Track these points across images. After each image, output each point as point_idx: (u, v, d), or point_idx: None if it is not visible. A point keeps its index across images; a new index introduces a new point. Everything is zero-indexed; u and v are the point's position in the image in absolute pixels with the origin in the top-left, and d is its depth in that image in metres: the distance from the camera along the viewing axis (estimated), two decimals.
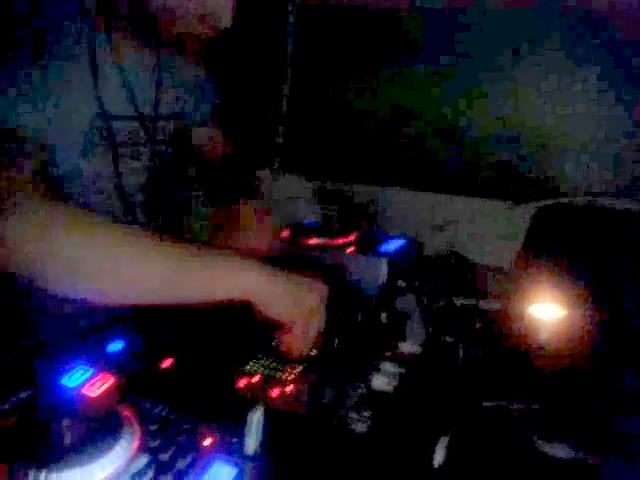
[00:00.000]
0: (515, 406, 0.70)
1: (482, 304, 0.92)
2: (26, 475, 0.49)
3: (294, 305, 0.74)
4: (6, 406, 0.58)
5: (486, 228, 1.31)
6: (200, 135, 1.16)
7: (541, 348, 0.80)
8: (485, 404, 0.69)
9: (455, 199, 1.36)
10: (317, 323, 0.76)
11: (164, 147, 1.05)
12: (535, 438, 0.65)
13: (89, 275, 0.69)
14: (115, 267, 0.69)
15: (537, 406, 0.70)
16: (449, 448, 0.60)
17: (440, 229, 1.33)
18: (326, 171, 1.53)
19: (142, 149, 0.99)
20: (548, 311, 0.87)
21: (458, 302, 0.92)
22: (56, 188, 0.76)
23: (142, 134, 0.98)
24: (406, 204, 1.40)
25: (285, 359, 0.77)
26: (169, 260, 0.71)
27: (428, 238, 1.27)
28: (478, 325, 0.85)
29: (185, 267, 0.72)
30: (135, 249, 0.71)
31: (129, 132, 0.94)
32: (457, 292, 0.94)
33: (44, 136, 0.75)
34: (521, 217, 1.22)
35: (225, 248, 0.75)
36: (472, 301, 0.92)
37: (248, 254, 0.76)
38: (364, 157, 1.49)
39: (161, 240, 0.72)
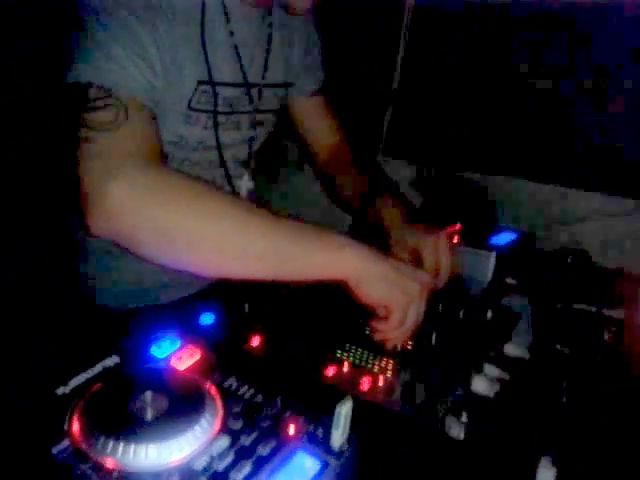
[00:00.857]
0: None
1: (605, 311, 0.81)
2: (104, 445, 0.48)
3: (393, 291, 0.69)
4: (93, 372, 0.58)
5: (612, 227, 1.18)
6: (306, 108, 1.12)
7: None
8: (601, 421, 0.61)
9: (578, 193, 1.23)
10: (416, 313, 0.70)
11: (267, 117, 1.03)
12: None
13: (188, 245, 0.68)
14: (215, 239, 0.68)
15: None
16: (558, 466, 0.53)
17: (560, 225, 1.21)
18: (434, 157, 1.45)
19: (242, 117, 0.96)
20: None
21: (576, 307, 0.82)
22: (160, 155, 0.75)
23: (246, 102, 0.95)
24: (523, 195, 1.29)
25: (378, 350, 0.72)
26: (270, 235, 0.68)
27: (545, 234, 1.17)
28: (605, 336, 0.75)
29: (286, 244, 0.69)
30: (237, 222, 0.68)
31: (232, 99, 0.92)
32: (575, 296, 0.84)
33: (149, 99, 0.74)
34: None
35: (323, 227, 0.71)
36: (593, 307, 0.82)
37: (346, 235, 0.71)
38: (478, 143, 1.39)
39: (263, 215, 0.70)
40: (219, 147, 0.93)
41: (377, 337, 0.73)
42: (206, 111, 0.88)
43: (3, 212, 1.10)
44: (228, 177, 0.99)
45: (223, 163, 0.97)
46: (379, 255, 0.70)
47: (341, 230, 1.27)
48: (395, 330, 0.71)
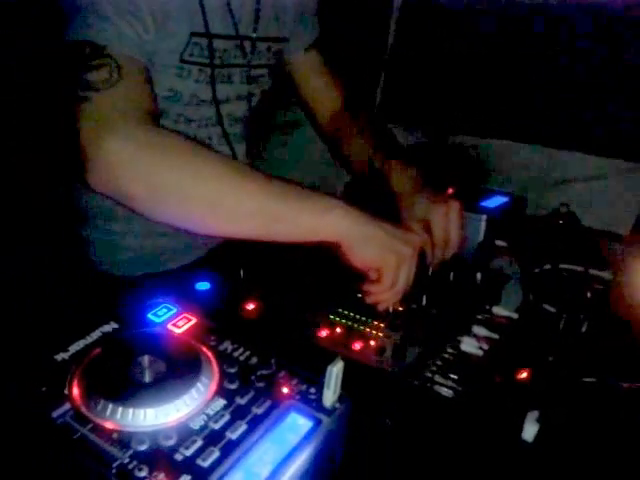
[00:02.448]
0: (621, 385, 0.62)
1: (593, 272, 0.83)
2: (104, 408, 0.49)
3: (384, 253, 0.71)
4: (91, 338, 0.59)
5: (603, 189, 1.19)
6: (304, 64, 1.10)
7: None
8: (585, 380, 0.63)
9: (570, 155, 1.23)
10: (407, 275, 0.72)
11: (262, 73, 1.01)
12: None
13: (180, 202, 0.70)
14: (207, 197, 0.69)
15: None
16: (541, 423, 0.55)
17: (551, 188, 1.22)
18: (427, 121, 1.44)
19: (234, 71, 0.95)
20: None
21: (565, 268, 0.84)
22: (156, 113, 0.76)
23: (239, 55, 0.94)
24: (514, 158, 1.29)
25: (370, 313, 0.74)
26: (262, 196, 0.70)
27: (537, 197, 1.17)
28: (588, 295, 0.77)
29: (277, 204, 0.70)
30: (229, 181, 0.70)
31: (223, 52, 0.91)
32: (565, 257, 0.85)
33: (142, 54, 0.74)
34: None
35: (314, 189, 0.72)
36: (581, 268, 0.84)
37: (338, 197, 0.72)
38: (470, 107, 1.38)
39: (256, 176, 0.71)
40: (215, 100, 0.93)
41: (369, 300, 0.74)
42: (199, 64, 0.88)
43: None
44: (225, 135, 0.99)
45: (220, 120, 0.96)
46: (370, 217, 0.71)
47: (334, 195, 1.28)
48: (387, 292, 0.72)
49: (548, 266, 0.85)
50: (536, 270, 0.84)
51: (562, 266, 0.84)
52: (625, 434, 0.58)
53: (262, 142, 1.52)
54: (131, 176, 0.69)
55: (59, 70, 0.75)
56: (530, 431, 0.56)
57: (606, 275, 0.83)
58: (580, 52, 1.24)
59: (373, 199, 0.91)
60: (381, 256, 0.71)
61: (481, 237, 0.90)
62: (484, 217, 0.90)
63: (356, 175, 1.09)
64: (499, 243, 0.91)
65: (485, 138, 1.35)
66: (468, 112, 1.38)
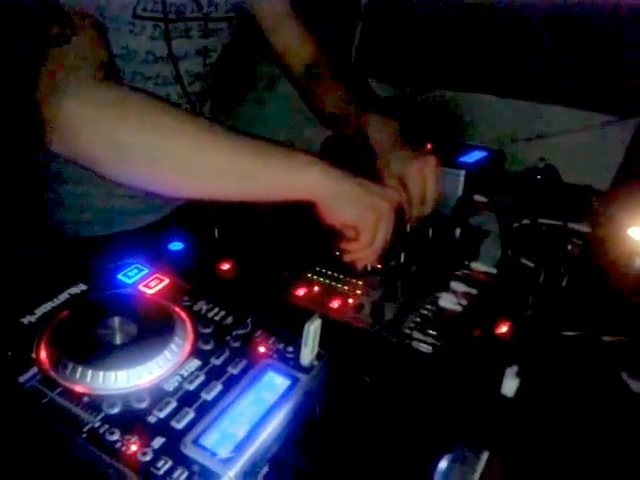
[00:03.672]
0: (601, 338, 0.63)
1: (571, 226, 0.83)
2: (73, 371, 0.48)
3: (361, 210, 0.69)
4: (59, 300, 0.57)
5: (582, 143, 1.18)
6: (270, 11, 1.04)
7: (637, 276, 0.72)
8: (565, 333, 0.63)
9: (549, 109, 1.22)
10: (385, 232, 0.70)
11: (221, 26, 0.96)
12: (625, 375, 0.59)
13: (145, 163, 0.67)
14: (174, 156, 0.67)
15: (628, 339, 0.63)
16: (521, 377, 0.55)
17: (530, 142, 1.21)
18: (404, 75, 1.41)
19: (192, 25, 0.90)
20: None
21: (544, 223, 0.83)
22: (113, 70, 0.72)
23: (194, 8, 0.89)
24: (493, 113, 1.27)
25: (348, 271, 0.73)
26: (233, 154, 0.67)
27: (516, 151, 1.16)
28: (567, 248, 0.77)
29: (249, 162, 0.68)
30: (196, 139, 0.67)
31: (178, 5, 0.86)
32: (544, 212, 0.85)
33: (98, 12, 0.71)
34: (624, 132, 1.09)
35: (289, 146, 0.69)
36: (560, 223, 0.83)
37: (312, 152, 0.70)
38: (448, 60, 1.35)
39: (225, 133, 0.68)
40: (171, 57, 0.88)
41: (347, 258, 0.73)
42: (152, 19, 0.83)
43: None
44: (185, 92, 0.95)
45: (178, 77, 0.92)
46: (347, 174, 0.69)
47: (312, 151, 1.26)
48: (365, 250, 0.71)
49: (527, 221, 0.84)
50: (515, 225, 0.84)
51: (541, 221, 0.83)
52: (605, 387, 0.59)
53: (234, 100, 1.48)
54: (93, 137, 0.65)
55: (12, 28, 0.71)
56: (510, 386, 0.56)
57: (585, 229, 0.83)
58: (559, 4, 1.21)
59: (352, 154, 0.89)
60: (358, 214, 0.69)
61: (460, 192, 0.89)
62: (463, 172, 0.89)
63: (334, 130, 1.06)
64: (478, 198, 0.90)
65: (464, 92, 1.32)
66: (446, 66, 1.35)
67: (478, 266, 0.76)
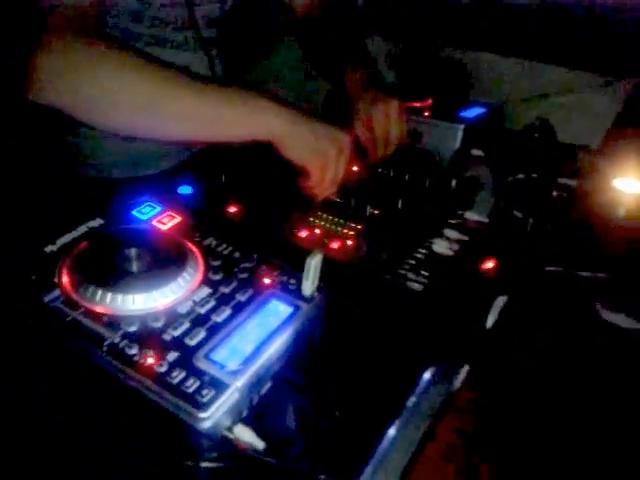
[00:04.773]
0: (581, 273, 0.67)
1: (562, 180, 0.86)
2: (94, 293, 0.52)
3: (309, 153, 0.74)
4: (78, 232, 0.61)
5: (578, 102, 1.20)
6: None
7: (619, 221, 0.76)
8: (548, 269, 0.68)
9: (548, 68, 1.24)
10: (334, 173, 0.76)
11: None
12: (598, 305, 0.63)
13: (111, 109, 0.72)
14: (137, 102, 0.71)
15: (604, 275, 0.67)
16: (504, 310, 0.60)
17: (527, 100, 1.23)
18: (409, 32, 1.42)
19: None
20: (633, 185, 0.81)
21: (536, 177, 0.87)
22: (98, 22, 0.77)
23: None
24: (494, 70, 1.29)
25: (348, 216, 0.77)
26: (192, 98, 0.72)
27: (514, 108, 1.19)
28: (553, 197, 0.81)
29: (209, 107, 0.73)
30: (158, 85, 0.71)
31: None
32: (537, 167, 0.88)
33: None
34: (619, 93, 1.11)
35: (252, 90, 0.74)
36: (552, 178, 0.87)
37: (273, 96, 0.75)
38: (452, 17, 1.36)
39: (186, 78, 0.73)
40: (187, 1, 0.91)
41: (304, 190, 0.78)
42: None
43: None
44: (200, 39, 0.98)
45: (193, 22, 0.95)
46: (301, 116, 0.74)
47: (317, 102, 1.28)
48: (317, 187, 0.77)
49: (521, 176, 0.88)
50: (509, 179, 0.87)
51: (534, 176, 0.87)
52: (579, 316, 0.64)
53: (246, 49, 1.48)
54: (60, 88, 0.70)
55: None
56: (491, 318, 0.60)
57: (574, 183, 0.86)
58: None
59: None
60: (306, 156, 0.74)
61: (457, 145, 0.92)
62: (461, 126, 0.92)
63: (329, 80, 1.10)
64: (475, 152, 0.94)
65: (466, 50, 1.34)
66: (450, 23, 1.36)
67: (471, 215, 0.80)
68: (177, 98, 0.72)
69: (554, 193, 0.82)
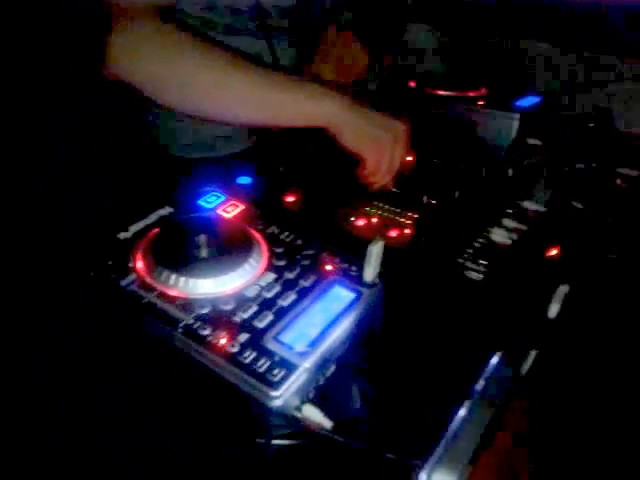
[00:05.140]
0: None
1: (622, 171, 0.85)
2: (168, 278, 0.55)
3: (366, 138, 0.76)
4: (150, 220, 0.64)
5: (635, 91, 1.17)
6: None
7: None
8: (611, 256, 0.67)
9: (604, 57, 1.21)
10: (389, 161, 0.77)
11: None
12: None
13: (179, 91, 0.77)
14: (205, 85, 0.76)
15: None
16: (567, 300, 0.60)
17: (586, 90, 1.21)
18: (458, 20, 1.41)
19: None
20: None
21: (595, 167, 0.86)
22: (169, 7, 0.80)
23: None
24: (551, 60, 1.27)
25: (405, 205, 0.78)
26: (259, 84, 0.75)
27: (572, 97, 1.17)
28: (614, 189, 0.80)
29: (273, 92, 0.76)
30: (227, 71, 0.75)
31: None
32: (596, 157, 0.87)
33: None
34: None
35: (310, 78, 0.80)
36: (611, 168, 0.86)
37: (332, 85, 0.78)
38: (509, 7, 1.34)
39: (253, 65, 0.76)
40: None
41: (361, 180, 0.80)
42: None
43: None
44: (270, 27, 0.98)
45: (263, 12, 0.96)
46: (356, 105, 0.76)
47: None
48: (372, 176, 0.79)
49: (580, 165, 0.87)
50: (566, 169, 0.86)
51: (593, 165, 0.86)
52: None
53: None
54: (131, 67, 0.75)
55: None
56: (554, 308, 0.60)
57: (633, 173, 0.85)
58: None
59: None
60: (362, 144, 0.76)
61: (514, 135, 0.92)
62: (517, 116, 0.91)
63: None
64: (532, 141, 0.93)
65: (520, 39, 1.32)
66: (506, 13, 1.35)
67: (529, 205, 0.80)
68: (242, 82, 0.75)
69: (616, 183, 0.81)
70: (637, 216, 0.77)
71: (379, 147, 0.77)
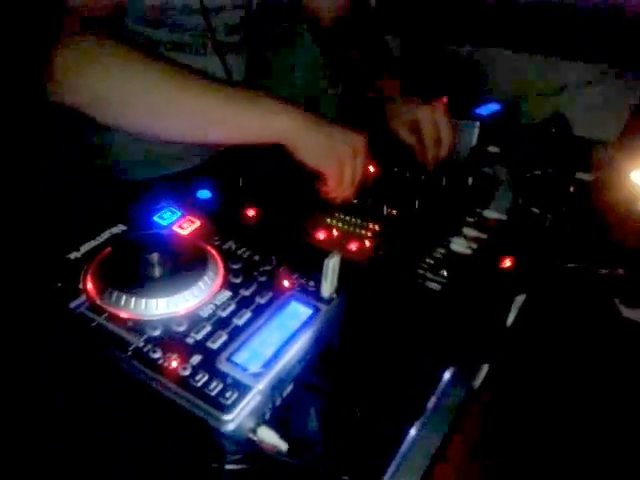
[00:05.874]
0: (600, 270, 0.67)
1: (579, 175, 0.86)
2: (118, 299, 0.53)
3: (324, 157, 0.75)
4: (101, 238, 0.62)
5: (594, 97, 1.19)
6: None
7: (637, 215, 0.75)
8: (567, 266, 0.68)
9: (563, 63, 1.23)
10: (351, 175, 0.76)
11: None
12: (617, 301, 0.63)
13: (121, 109, 0.74)
14: (149, 102, 0.73)
15: (622, 271, 0.67)
16: (524, 308, 0.60)
17: (543, 95, 1.22)
18: (421, 30, 1.42)
19: None
20: None
21: (553, 173, 0.87)
22: (114, 25, 0.79)
23: None
24: (509, 66, 1.28)
25: (365, 216, 0.77)
26: (204, 99, 0.73)
27: (530, 104, 1.18)
28: (570, 191, 0.81)
29: (220, 106, 0.74)
30: (170, 85, 0.73)
31: None
32: (554, 163, 0.88)
33: None
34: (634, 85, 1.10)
35: (263, 91, 0.76)
36: (569, 173, 0.86)
37: (286, 99, 0.76)
38: (464, 14, 1.35)
39: (198, 79, 0.74)
40: (203, 9, 0.91)
41: (321, 194, 0.79)
42: None
43: None
44: (218, 44, 0.98)
45: (210, 29, 0.95)
46: (313, 119, 0.75)
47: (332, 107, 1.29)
48: (333, 191, 0.77)
49: (538, 172, 0.87)
50: (526, 175, 0.87)
51: (550, 171, 0.86)
52: (599, 312, 0.64)
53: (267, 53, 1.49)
54: (73, 87, 0.72)
55: None
56: (512, 316, 0.60)
57: (588, 177, 0.86)
58: None
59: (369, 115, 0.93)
60: (321, 161, 0.75)
61: (474, 143, 0.92)
62: (477, 123, 0.92)
63: (352, 87, 1.09)
64: (492, 149, 0.94)
65: (479, 47, 1.34)
66: (463, 20, 1.36)
67: (490, 213, 0.80)
68: (188, 100, 0.73)
69: (571, 188, 0.82)
70: (591, 221, 0.78)
71: (338, 162, 0.75)
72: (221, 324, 0.53)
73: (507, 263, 0.66)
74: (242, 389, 0.47)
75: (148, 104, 0.73)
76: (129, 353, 0.50)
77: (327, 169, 0.76)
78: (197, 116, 0.74)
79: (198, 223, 0.67)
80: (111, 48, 0.73)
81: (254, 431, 0.47)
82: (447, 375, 0.48)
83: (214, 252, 0.62)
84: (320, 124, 0.75)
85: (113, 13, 0.79)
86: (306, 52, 1.34)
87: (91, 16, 0.74)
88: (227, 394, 0.46)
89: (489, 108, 0.99)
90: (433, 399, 0.46)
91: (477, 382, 0.52)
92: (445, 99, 1.01)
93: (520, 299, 0.61)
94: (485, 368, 0.53)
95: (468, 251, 0.72)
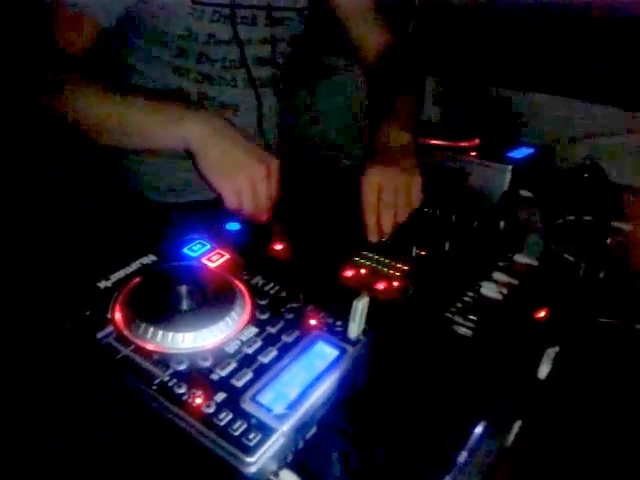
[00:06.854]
0: (635, 325, 0.65)
1: (615, 224, 0.84)
2: (146, 331, 0.53)
3: (225, 166, 0.75)
4: (131, 268, 0.62)
5: (630, 143, 1.18)
6: (343, 5, 1.07)
7: None
8: (601, 320, 0.66)
9: (599, 108, 1.22)
10: (250, 199, 0.76)
11: (288, 15, 1.00)
12: None
13: (89, 129, 0.83)
14: (88, 118, 0.81)
15: None
16: (557, 361, 0.58)
17: (578, 141, 1.21)
18: (456, 70, 1.43)
19: (258, 13, 0.94)
20: None
21: (587, 220, 0.85)
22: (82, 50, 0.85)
23: None
24: (543, 110, 1.28)
25: (394, 256, 0.76)
26: (121, 110, 0.78)
27: (564, 149, 1.17)
28: (607, 242, 0.79)
29: (131, 115, 0.78)
30: (98, 103, 0.79)
31: None
32: (588, 209, 0.86)
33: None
34: None
35: (180, 101, 0.79)
36: (603, 220, 0.85)
37: (200, 107, 0.80)
38: (500, 57, 1.36)
39: (114, 92, 0.79)
40: (237, 41, 0.94)
41: (227, 209, 0.79)
42: (214, 4, 0.89)
43: None
44: (250, 79, 1.00)
45: (244, 61, 0.97)
46: (224, 131, 0.75)
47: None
48: (230, 206, 0.77)
49: (571, 217, 0.86)
50: (559, 221, 0.86)
51: (585, 218, 0.85)
52: (636, 371, 0.61)
53: (301, 88, 1.50)
54: (66, 118, 0.81)
55: None
56: (545, 370, 0.58)
57: (627, 227, 0.84)
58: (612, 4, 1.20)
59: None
60: (217, 171, 0.75)
61: (506, 187, 0.91)
62: (509, 167, 0.91)
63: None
64: (524, 193, 0.93)
65: (515, 90, 1.33)
66: (499, 63, 1.36)
67: (521, 258, 0.78)
68: (112, 114, 0.78)
69: (608, 237, 0.80)
70: (628, 272, 0.76)
71: (238, 177, 0.74)
72: (246, 361, 0.53)
73: (541, 313, 0.64)
74: (266, 430, 0.46)
75: (93, 124, 0.80)
76: (154, 387, 0.49)
77: (222, 183, 0.75)
78: (117, 128, 0.79)
79: (227, 256, 0.67)
80: (71, 82, 0.80)
81: (276, 474, 0.46)
82: (479, 429, 0.46)
83: (242, 287, 0.61)
84: (230, 136, 0.75)
85: (86, 49, 0.86)
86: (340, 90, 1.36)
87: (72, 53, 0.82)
88: (250, 435, 0.46)
89: (522, 152, 0.99)
90: (464, 454, 0.44)
91: (510, 438, 0.50)
92: (477, 141, 1.01)
93: (552, 352, 0.59)
94: (518, 424, 0.51)
95: (499, 296, 0.70)
